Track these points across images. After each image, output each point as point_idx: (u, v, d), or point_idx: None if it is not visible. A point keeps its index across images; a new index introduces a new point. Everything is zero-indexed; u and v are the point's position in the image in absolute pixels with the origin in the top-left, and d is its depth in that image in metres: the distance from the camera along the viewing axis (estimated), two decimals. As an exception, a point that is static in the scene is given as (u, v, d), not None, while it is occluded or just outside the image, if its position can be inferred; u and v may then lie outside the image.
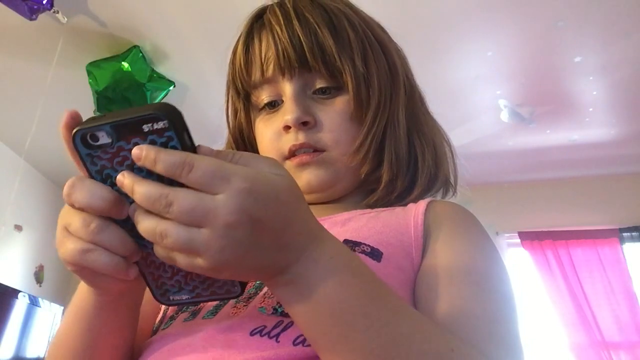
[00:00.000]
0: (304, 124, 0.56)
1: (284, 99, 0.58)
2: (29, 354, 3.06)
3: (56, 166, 3.36)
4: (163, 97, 2.35)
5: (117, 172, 0.33)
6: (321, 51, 0.55)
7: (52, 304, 3.38)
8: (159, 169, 0.31)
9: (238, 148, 0.65)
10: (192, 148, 0.33)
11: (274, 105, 0.59)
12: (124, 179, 0.32)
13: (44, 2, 1.84)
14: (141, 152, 0.32)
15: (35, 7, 1.83)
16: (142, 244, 0.35)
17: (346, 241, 0.48)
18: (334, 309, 0.34)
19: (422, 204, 0.53)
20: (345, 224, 0.53)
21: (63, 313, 3.43)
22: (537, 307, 3.30)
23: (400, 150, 0.57)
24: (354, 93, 0.56)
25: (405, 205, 0.55)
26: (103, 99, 2.26)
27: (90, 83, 2.24)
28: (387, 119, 0.58)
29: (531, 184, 3.55)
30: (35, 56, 2.29)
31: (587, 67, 2.35)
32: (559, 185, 3.51)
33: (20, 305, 3.00)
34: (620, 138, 2.99)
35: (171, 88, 2.35)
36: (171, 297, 0.37)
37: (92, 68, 2.22)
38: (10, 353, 2.89)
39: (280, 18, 0.57)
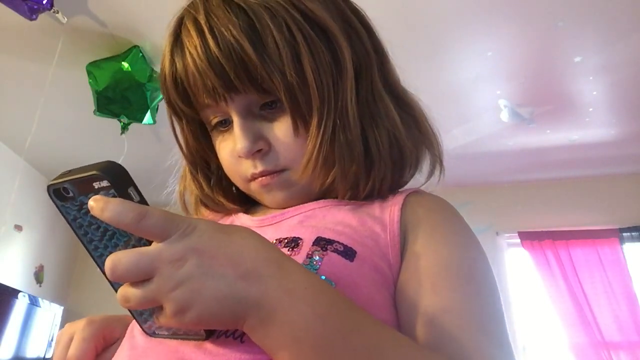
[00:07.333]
0: (258, 151, 0.52)
1: (232, 119, 0.53)
2: (29, 354, 3.06)
3: (56, 166, 3.35)
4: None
5: (85, 222, 0.36)
6: (246, 71, 0.49)
7: (52, 304, 3.38)
8: (106, 217, 0.33)
9: (197, 170, 0.60)
10: (142, 202, 0.36)
11: (225, 123, 0.54)
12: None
13: (44, 2, 1.84)
14: (93, 203, 0.34)
15: (35, 7, 1.83)
16: None
17: (319, 239, 0.46)
18: (317, 344, 0.34)
19: (398, 200, 0.52)
20: (319, 217, 0.51)
21: (63, 313, 3.44)
22: (537, 307, 3.30)
23: (353, 155, 0.51)
24: (290, 109, 0.50)
25: (384, 198, 0.53)
26: (103, 99, 2.26)
27: (90, 83, 2.24)
28: (333, 124, 0.51)
29: (531, 184, 3.55)
30: (35, 56, 2.28)
31: (587, 67, 2.35)
32: (559, 185, 3.51)
33: (20, 305, 3.00)
34: (620, 138, 2.99)
35: (171, 88, 2.35)
36: (156, 332, 0.41)
37: (92, 68, 2.22)
38: (10, 353, 2.89)
39: (195, 39, 0.50)
